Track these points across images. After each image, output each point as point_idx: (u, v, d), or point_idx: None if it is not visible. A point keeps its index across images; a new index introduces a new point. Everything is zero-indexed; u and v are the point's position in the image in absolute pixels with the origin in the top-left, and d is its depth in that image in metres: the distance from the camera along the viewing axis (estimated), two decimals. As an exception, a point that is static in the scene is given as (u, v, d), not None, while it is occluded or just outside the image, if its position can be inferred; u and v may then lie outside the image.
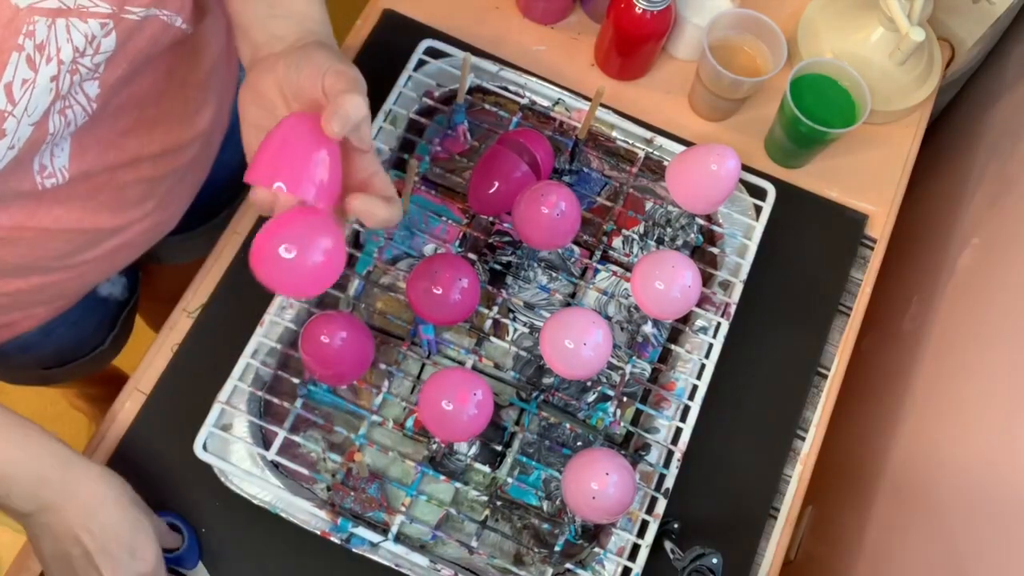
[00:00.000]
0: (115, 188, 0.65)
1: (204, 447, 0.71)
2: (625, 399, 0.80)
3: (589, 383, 0.80)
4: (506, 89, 0.86)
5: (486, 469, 0.76)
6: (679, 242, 0.85)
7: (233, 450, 0.73)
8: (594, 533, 0.76)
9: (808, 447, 0.80)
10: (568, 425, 0.78)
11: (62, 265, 0.68)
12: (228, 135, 0.83)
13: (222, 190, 0.91)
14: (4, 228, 0.60)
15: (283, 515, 0.72)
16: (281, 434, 0.73)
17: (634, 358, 0.79)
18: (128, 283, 0.89)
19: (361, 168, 0.55)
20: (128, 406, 0.76)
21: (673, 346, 0.80)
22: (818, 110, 0.82)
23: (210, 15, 0.66)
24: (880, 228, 0.89)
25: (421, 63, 0.86)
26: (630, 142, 0.85)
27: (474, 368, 0.79)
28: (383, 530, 0.72)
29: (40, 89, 0.49)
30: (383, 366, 0.77)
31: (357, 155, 0.54)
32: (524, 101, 0.86)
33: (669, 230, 0.85)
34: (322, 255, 0.53)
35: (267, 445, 0.74)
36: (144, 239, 0.74)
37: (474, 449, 0.77)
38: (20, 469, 0.62)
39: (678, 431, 0.75)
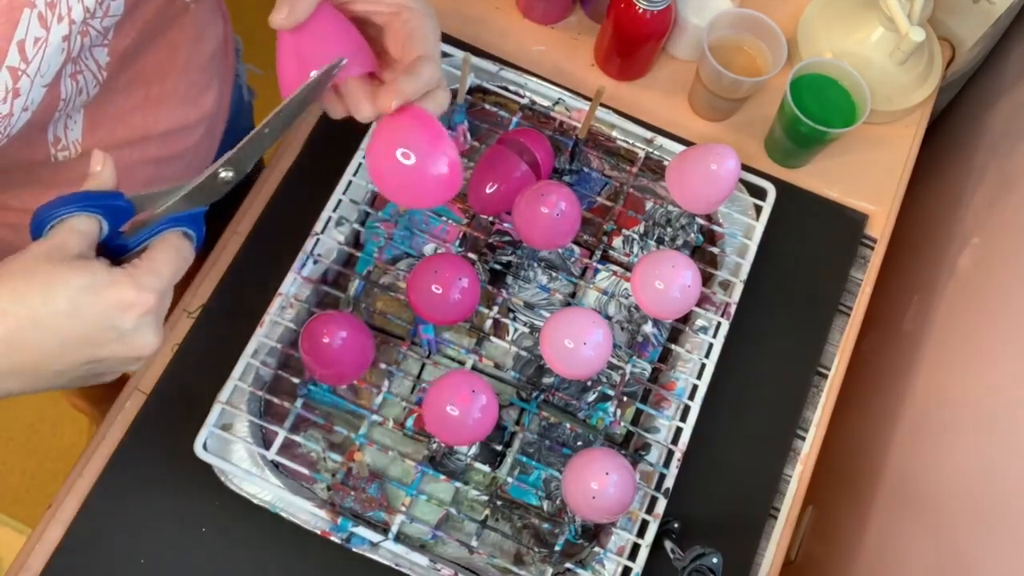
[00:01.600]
0: (124, 168, 0.65)
1: (204, 447, 0.72)
2: (625, 399, 0.80)
3: (589, 383, 0.80)
4: (506, 89, 0.86)
5: (486, 469, 0.76)
6: (679, 242, 0.85)
7: (233, 450, 0.73)
8: (594, 533, 0.76)
9: (808, 447, 0.80)
10: (568, 425, 0.78)
11: None
12: (228, 128, 0.83)
13: None
14: (17, 211, 0.60)
15: (283, 515, 0.72)
16: (281, 434, 0.73)
17: (634, 358, 0.79)
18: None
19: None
20: (128, 406, 0.77)
21: (673, 346, 0.80)
22: (818, 110, 0.82)
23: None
24: (880, 228, 0.89)
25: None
26: (630, 142, 0.85)
27: (474, 368, 0.79)
28: (383, 530, 0.72)
29: (52, 49, 0.49)
30: (383, 366, 0.77)
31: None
32: (524, 101, 0.86)
33: (669, 230, 0.85)
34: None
35: (267, 445, 0.74)
36: None
37: (474, 449, 0.78)
38: None
39: (678, 431, 0.75)
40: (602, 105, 0.83)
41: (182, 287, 0.81)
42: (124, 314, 0.46)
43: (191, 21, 0.67)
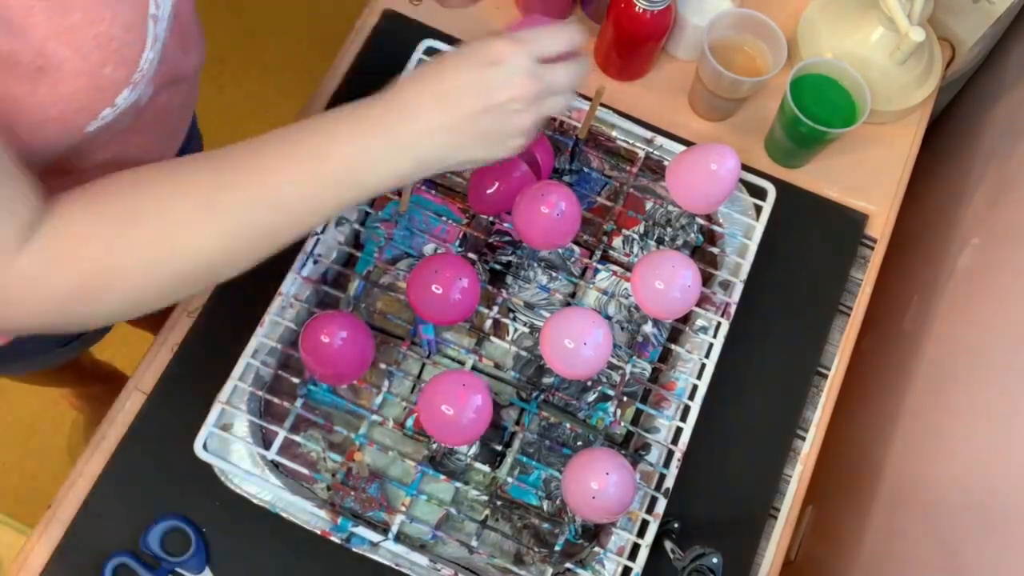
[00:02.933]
0: (170, 112, 0.67)
1: (204, 447, 0.72)
2: (625, 399, 0.80)
3: (589, 383, 0.80)
4: (506, 89, 0.86)
5: (486, 469, 0.76)
6: (679, 242, 0.85)
7: (233, 450, 0.73)
8: (594, 533, 0.76)
9: (808, 447, 0.80)
10: (568, 425, 0.78)
11: None
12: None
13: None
14: (99, 168, 0.60)
15: (283, 515, 0.72)
16: (281, 434, 0.73)
17: (634, 358, 0.79)
18: None
19: None
20: (128, 406, 0.77)
21: (673, 346, 0.80)
22: (818, 110, 0.82)
23: None
24: (880, 228, 0.89)
25: (421, 63, 0.86)
26: (630, 142, 0.85)
27: (474, 368, 0.79)
28: (383, 530, 0.72)
29: None
30: (383, 366, 0.77)
31: None
32: (524, 101, 0.86)
33: (669, 230, 0.85)
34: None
35: (267, 445, 0.74)
36: None
37: (474, 449, 0.78)
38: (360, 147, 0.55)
39: (678, 431, 0.75)
40: (602, 105, 0.83)
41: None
42: (501, 60, 0.54)
43: None
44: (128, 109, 0.55)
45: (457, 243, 0.81)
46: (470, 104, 0.55)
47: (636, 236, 0.85)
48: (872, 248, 0.88)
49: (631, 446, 0.78)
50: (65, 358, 0.94)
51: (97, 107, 0.52)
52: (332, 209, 0.56)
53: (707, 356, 0.77)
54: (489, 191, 0.76)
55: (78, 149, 0.57)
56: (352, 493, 0.75)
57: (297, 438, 0.74)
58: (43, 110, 0.50)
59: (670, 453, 0.74)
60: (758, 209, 0.83)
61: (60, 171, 0.57)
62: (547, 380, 0.79)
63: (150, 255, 0.52)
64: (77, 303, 0.51)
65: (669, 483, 0.73)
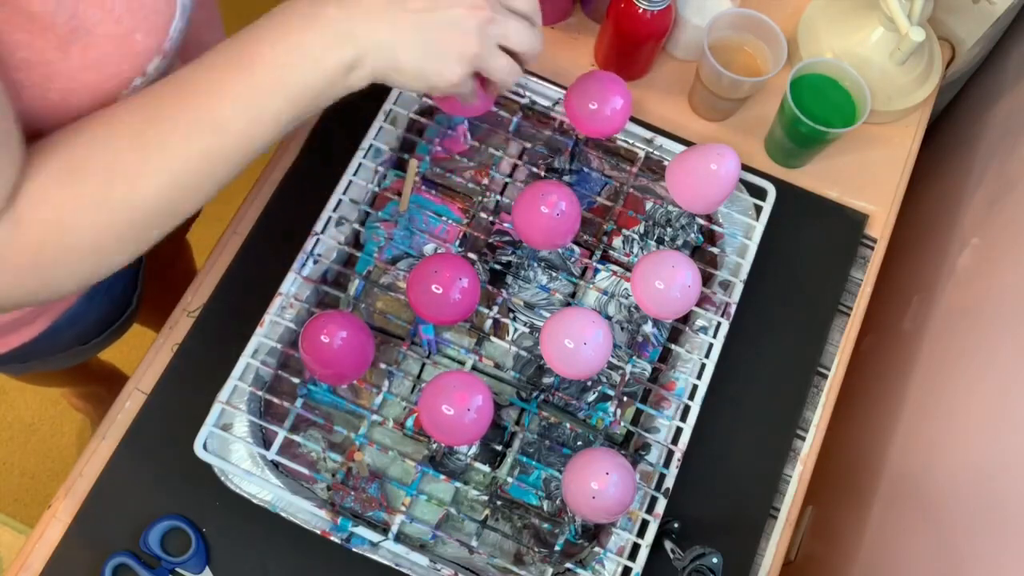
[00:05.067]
0: None
1: (204, 447, 0.72)
2: (625, 399, 0.80)
3: (589, 383, 0.80)
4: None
5: (486, 469, 0.76)
6: (679, 242, 0.85)
7: (233, 450, 0.73)
8: (594, 533, 0.76)
9: (808, 447, 0.80)
10: (568, 425, 0.78)
11: None
12: None
13: None
14: None
15: (283, 515, 0.72)
16: (281, 434, 0.73)
17: (634, 358, 0.79)
18: None
19: None
20: (128, 406, 0.77)
21: (673, 346, 0.80)
22: (818, 110, 0.82)
23: None
24: (880, 228, 0.89)
25: None
26: (630, 142, 0.85)
27: (474, 368, 0.79)
28: (383, 529, 0.72)
29: None
30: (383, 366, 0.77)
31: None
32: (524, 101, 0.86)
33: (669, 230, 0.85)
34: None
35: (267, 445, 0.74)
36: None
37: (474, 449, 0.78)
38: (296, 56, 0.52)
39: (678, 431, 0.75)
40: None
41: (182, 287, 0.81)
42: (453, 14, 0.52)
43: None
44: (158, 79, 0.54)
45: (457, 243, 0.81)
46: (416, 3, 0.52)
47: (636, 236, 0.85)
48: (872, 248, 0.88)
49: (631, 446, 0.78)
50: (86, 356, 0.94)
51: (128, 74, 0.51)
52: (281, 116, 0.52)
53: (707, 356, 0.77)
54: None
55: None
56: (352, 493, 0.75)
57: (297, 438, 0.74)
58: (75, 76, 0.49)
59: (670, 453, 0.75)
60: (758, 209, 0.83)
61: None
62: (547, 380, 0.79)
63: (97, 209, 0.50)
64: (48, 267, 0.50)
65: (669, 483, 0.73)
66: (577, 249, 0.85)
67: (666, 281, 0.73)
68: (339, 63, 0.52)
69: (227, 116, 0.51)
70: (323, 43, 0.51)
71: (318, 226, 0.78)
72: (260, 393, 0.75)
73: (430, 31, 0.53)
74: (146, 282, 0.94)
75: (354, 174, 0.80)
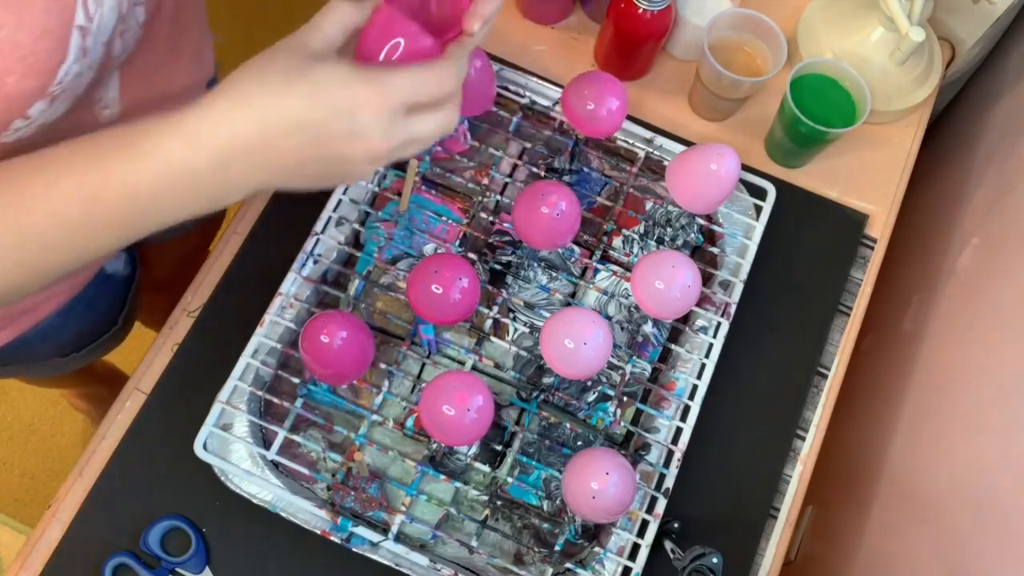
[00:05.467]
0: None
1: (204, 447, 0.72)
2: (625, 399, 0.80)
3: (589, 383, 0.80)
4: (506, 89, 0.86)
5: (486, 469, 0.76)
6: (679, 242, 0.85)
7: (233, 450, 0.73)
8: (594, 533, 0.76)
9: (808, 447, 0.80)
10: (568, 425, 0.78)
11: None
12: None
13: None
14: None
15: (283, 515, 0.72)
16: (281, 434, 0.73)
17: (634, 358, 0.79)
18: (128, 258, 0.90)
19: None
20: (128, 406, 0.77)
21: (673, 346, 0.80)
22: (818, 110, 0.82)
23: None
24: (880, 228, 0.89)
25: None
26: (630, 142, 0.85)
27: (474, 368, 0.79)
28: (383, 529, 0.72)
29: (109, 6, 0.50)
30: (383, 366, 0.77)
31: None
32: (524, 101, 0.86)
33: (669, 230, 0.85)
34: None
35: (267, 445, 0.74)
36: None
37: (474, 449, 0.77)
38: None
39: (678, 431, 0.75)
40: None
41: (182, 287, 0.81)
42: (356, 110, 0.46)
43: None
44: (58, 122, 0.52)
45: (457, 243, 0.81)
46: (301, 153, 0.47)
47: (636, 236, 0.85)
48: (872, 248, 0.88)
49: (631, 446, 0.78)
50: (80, 363, 0.94)
51: (4, 117, 0.48)
52: (111, 247, 0.50)
53: (707, 356, 0.77)
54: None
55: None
56: (352, 493, 0.75)
57: (297, 438, 0.74)
58: None
59: (670, 453, 0.75)
60: (758, 209, 0.83)
61: None
62: (547, 380, 0.79)
63: None
64: None
65: (669, 483, 0.73)
66: (577, 249, 0.85)
67: (666, 281, 0.73)
68: (192, 213, 0.49)
69: (57, 239, 0.48)
70: (182, 201, 0.48)
71: (318, 226, 0.78)
72: (260, 393, 0.75)
73: (320, 172, 0.49)
74: (143, 292, 0.94)
75: (354, 174, 0.80)
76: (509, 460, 0.77)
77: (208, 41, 0.75)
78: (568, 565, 0.72)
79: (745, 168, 0.84)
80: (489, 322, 0.78)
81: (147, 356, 0.78)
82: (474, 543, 0.73)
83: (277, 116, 0.46)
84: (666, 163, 0.83)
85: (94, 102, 0.59)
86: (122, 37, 0.55)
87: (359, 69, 0.47)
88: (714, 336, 0.78)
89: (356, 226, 0.81)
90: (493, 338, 0.79)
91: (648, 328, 0.82)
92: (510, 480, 0.76)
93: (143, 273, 0.95)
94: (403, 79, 0.47)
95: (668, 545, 0.72)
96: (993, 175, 0.90)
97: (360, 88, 0.46)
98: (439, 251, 0.82)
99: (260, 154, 0.46)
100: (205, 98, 0.46)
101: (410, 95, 0.48)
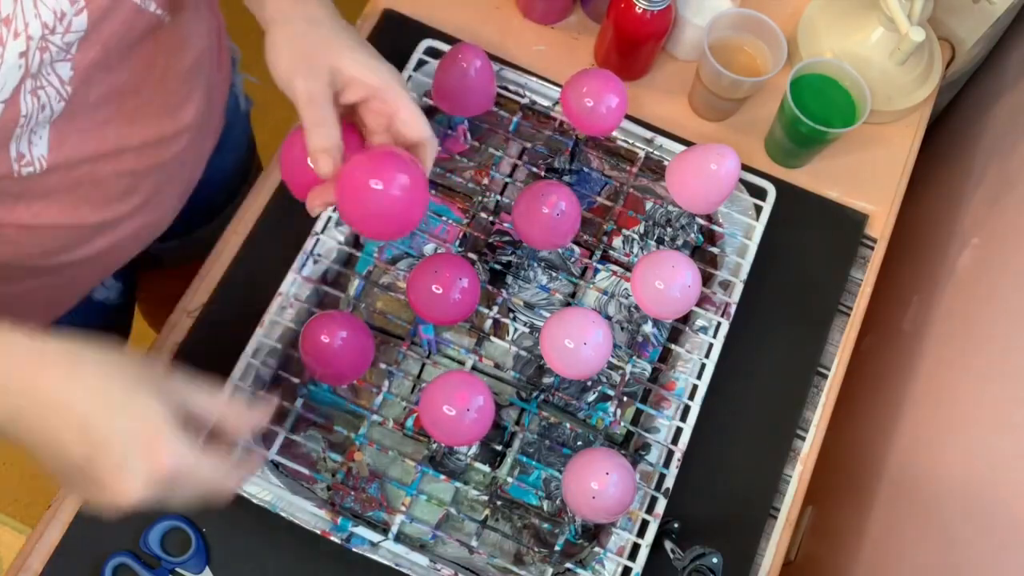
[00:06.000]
0: (96, 181, 0.64)
1: (204, 447, 0.71)
2: (625, 399, 0.80)
3: (589, 383, 0.80)
4: (506, 89, 0.86)
5: (486, 469, 0.76)
6: (679, 242, 0.85)
7: (233, 450, 0.73)
8: (594, 533, 0.76)
9: (808, 447, 0.80)
10: (568, 425, 0.78)
11: (49, 265, 0.67)
12: (223, 139, 0.83)
13: (218, 192, 0.91)
14: (16, 228, 0.59)
15: (283, 515, 0.72)
16: (281, 434, 0.73)
17: (634, 358, 0.79)
18: (123, 287, 0.89)
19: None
20: (128, 406, 0.76)
21: (673, 346, 0.80)
22: (818, 110, 0.82)
23: (191, 10, 0.67)
24: (880, 228, 0.89)
25: (421, 63, 0.86)
26: (630, 142, 0.85)
27: (474, 368, 0.79)
28: (383, 529, 0.72)
29: (8, 66, 0.49)
30: (383, 366, 0.77)
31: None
32: (524, 101, 0.86)
33: (669, 230, 0.85)
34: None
35: (267, 445, 0.74)
36: (134, 240, 0.74)
37: (474, 449, 0.78)
38: None
39: (678, 431, 0.75)
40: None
41: (182, 287, 0.81)
42: (137, 450, 0.47)
43: (168, 34, 0.65)
44: None
45: (457, 243, 0.81)
46: (53, 466, 0.50)
47: (636, 236, 0.85)
48: (872, 248, 0.88)
49: (631, 446, 0.78)
50: None
51: None
52: None
53: (707, 356, 0.77)
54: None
55: None
56: (352, 493, 0.75)
57: (297, 438, 0.74)
58: None
59: (670, 453, 0.75)
60: (758, 209, 0.83)
61: None
62: (547, 380, 0.79)
63: None
64: None
65: (669, 483, 0.73)
66: (577, 249, 0.85)
67: (666, 281, 0.73)
68: None
69: None
70: None
71: (318, 226, 0.78)
72: (260, 393, 0.75)
73: (67, 475, 0.50)
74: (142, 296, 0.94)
75: (354, 174, 0.80)
76: (509, 460, 0.77)
77: (196, 91, 0.72)
78: (568, 565, 0.72)
79: (745, 168, 0.84)
80: (489, 322, 0.78)
81: (147, 356, 0.78)
82: (474, 543, 0.73)
83: (58, 423, 0.49)
84: (666, 163, 0.83)
85: (13, 158, 0.57)
86: (36, 95, 0.53)
87: (175, 422, 0.48)
88: (714, 336, 0.78)
89: (356, 226, 0.81)
90: (493, 338, 0.79)
91: (648, 328, 0.82)
92: (510, 480, 0.76)
93: (146, 294, 0.95)
94: (205, 465, 0.49)
95: (668, 545, 0.72)
96: (993, 175, 0.90)
97: (155, 434, 0.47)
98: (439, 251, 0.82)
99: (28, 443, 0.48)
100: (51, 354, 0.48)
101: (193, 472, 0.48)
